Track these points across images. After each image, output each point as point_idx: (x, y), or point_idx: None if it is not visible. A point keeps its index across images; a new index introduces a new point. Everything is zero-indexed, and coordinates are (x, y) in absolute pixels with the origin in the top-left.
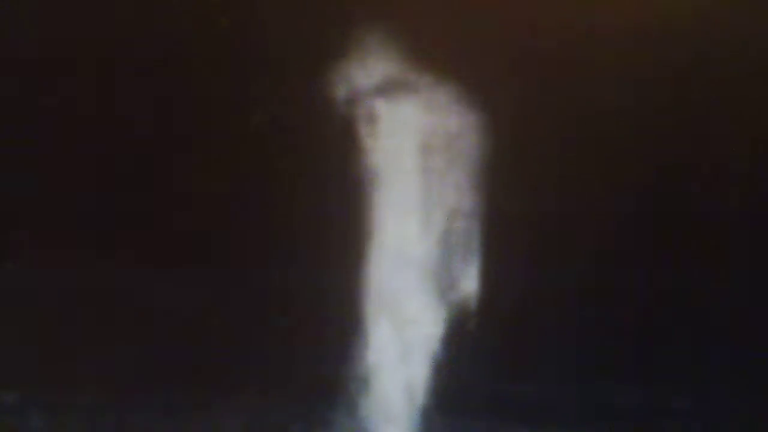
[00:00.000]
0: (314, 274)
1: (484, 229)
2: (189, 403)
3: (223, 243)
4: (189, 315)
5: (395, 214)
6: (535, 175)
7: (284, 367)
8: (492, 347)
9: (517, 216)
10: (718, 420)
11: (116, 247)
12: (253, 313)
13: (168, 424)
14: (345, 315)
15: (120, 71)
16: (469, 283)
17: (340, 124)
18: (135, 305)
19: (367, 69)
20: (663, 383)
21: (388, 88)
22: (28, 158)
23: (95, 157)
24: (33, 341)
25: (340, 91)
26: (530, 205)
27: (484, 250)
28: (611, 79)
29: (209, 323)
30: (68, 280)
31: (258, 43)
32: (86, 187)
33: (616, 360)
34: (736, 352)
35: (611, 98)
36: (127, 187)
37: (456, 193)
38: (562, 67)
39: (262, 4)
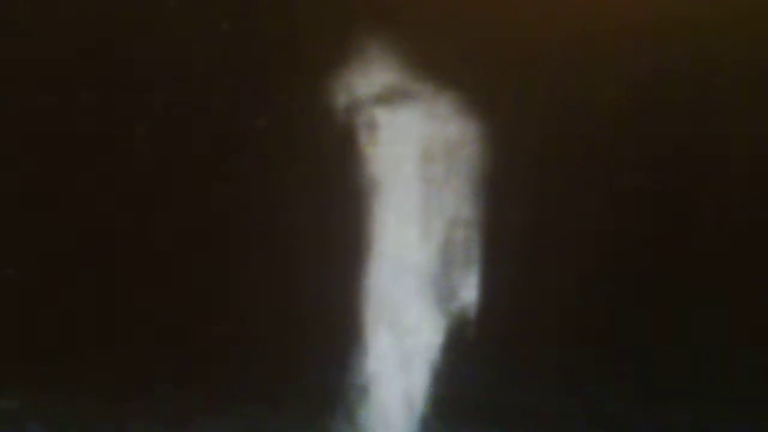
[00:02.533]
0: (314, 282)
1: (484, 237)
2: (189, 410)
3: (223, 249)
4: (189, 321)
5: (395, 223)
6: (536, 184)
7: (284, 375)
8: (491, 356)
9: (517, 225)
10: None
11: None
12: (252, 320)
13: None
14: (345, 323)
15: (119, 74)
16: (469, 292)
17: (340, 132)
18: (134, 310)
19: (368, 77)
20: (663, 394)
21: (388, 97)
22: None
23: (91, 164)
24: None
25: (341, 99)
26: (530, 214)
27: (484, 259)
28: (615, 89)
29: (209, 330)
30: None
31: (259, 50)
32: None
33: (615, 369)
34: (736, 361)
35: (614, 108)
36: (128, 188)
37: (456, 201)
38: (563, 76)
39: (262, 11)
